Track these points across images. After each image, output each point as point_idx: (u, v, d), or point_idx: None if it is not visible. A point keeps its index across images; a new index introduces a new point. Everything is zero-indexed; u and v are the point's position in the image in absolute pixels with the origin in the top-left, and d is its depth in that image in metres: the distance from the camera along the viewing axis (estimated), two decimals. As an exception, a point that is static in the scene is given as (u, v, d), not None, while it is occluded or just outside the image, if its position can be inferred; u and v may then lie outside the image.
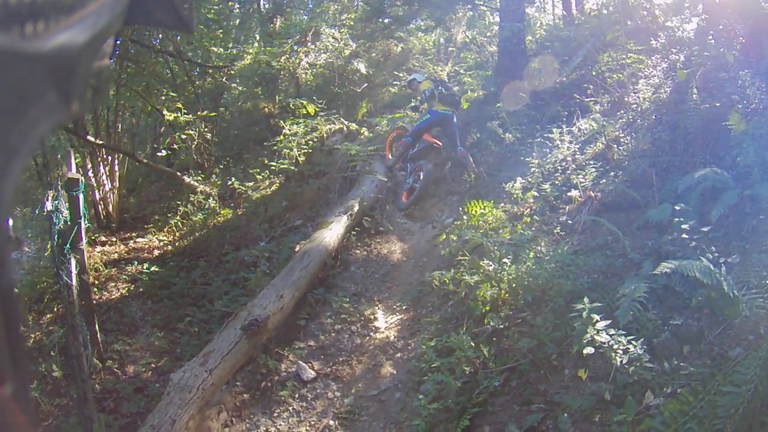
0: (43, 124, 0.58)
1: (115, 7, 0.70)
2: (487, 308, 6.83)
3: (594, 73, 11.35)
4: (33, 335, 9.01)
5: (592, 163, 9.04)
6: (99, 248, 12.26)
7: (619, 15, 12.65)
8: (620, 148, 9.03)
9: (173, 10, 0.91)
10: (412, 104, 14.03)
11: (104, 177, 13.86)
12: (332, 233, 9.55)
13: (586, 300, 5.42)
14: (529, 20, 16.61)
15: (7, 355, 0.55)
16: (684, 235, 6.40)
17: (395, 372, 7.27)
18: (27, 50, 0.54)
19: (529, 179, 9.51)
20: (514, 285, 6.81)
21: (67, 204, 7.49)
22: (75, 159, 10.29)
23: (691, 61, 9.96)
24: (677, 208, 6.77)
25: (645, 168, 8.10)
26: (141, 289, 10.52)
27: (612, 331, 5.18)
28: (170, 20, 0.93)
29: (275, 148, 13.08)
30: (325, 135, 13.58)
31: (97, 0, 0.66)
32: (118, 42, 13.38)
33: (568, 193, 8.55)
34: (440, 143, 12.57)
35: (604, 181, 8.51)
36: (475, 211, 8.54)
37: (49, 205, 7.32)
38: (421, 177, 11.68)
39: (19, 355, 0.57)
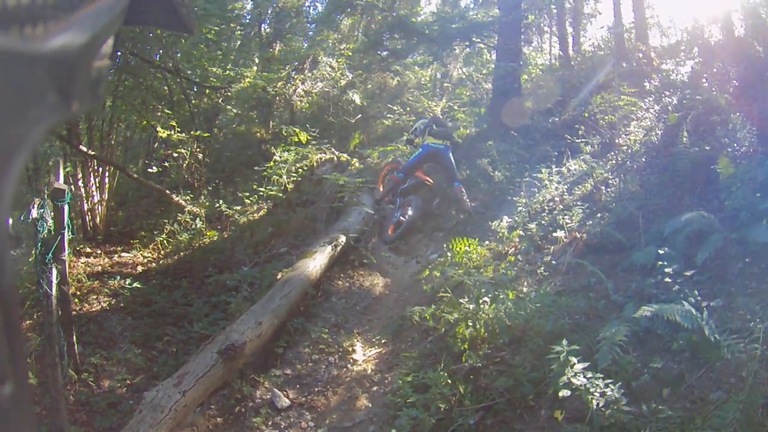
0: (43, 124, 0.58)
1: (115, 7, 0.71)
2: (466, 346, 6.75)
3: (586, 114, 11.39)
4: None
5: (579, 204, 9.02)
6: (83, 259, 12.15)
7: (614, 57, 12.67)
8: (608, 189, 9.02)
9: (173, 10, 0.92)
10: (405, 137, 13.94)
11: (94, 188, 13.81)
12: (315, 263, 9.47)
13: (564, 342, 5.34)
14: (525, 59, 16.69)
15: (7, 355, 0.54)
16: (667, 279, 6.34)
17: (370, 405, 7.15)
18: (27, 50, 0.54)
19: (516, 218, 9.49)
20: (492, 324, 6.73)
21: (52, 213, 7.48)
22: (66, 168, 10.28)
23: (683, 104, 10.03)
24: (662, 252, 6.71)
25: (632, 210, 8.07)
26: (122, 304, 10.39)
27: (589, 374, 5.10)
28: (170, 21, 0.95)
29: (265, 173, 13.09)
30: (315, 164, 13.60)
31: (97, 0, 0.66)
32: (118, 54, 13.47)
33: (554, 234, 8.50)
34: (431, 180, 12.46)
35: (590, 222, 8.49)
36: (460, 248, 8.50)
37: (34, 213, 7.32)
38: (409, 212, 11.62)
39: (19, 355, 0.57)
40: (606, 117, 10.85)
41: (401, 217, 11.72)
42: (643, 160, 9.49)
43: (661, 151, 9.31)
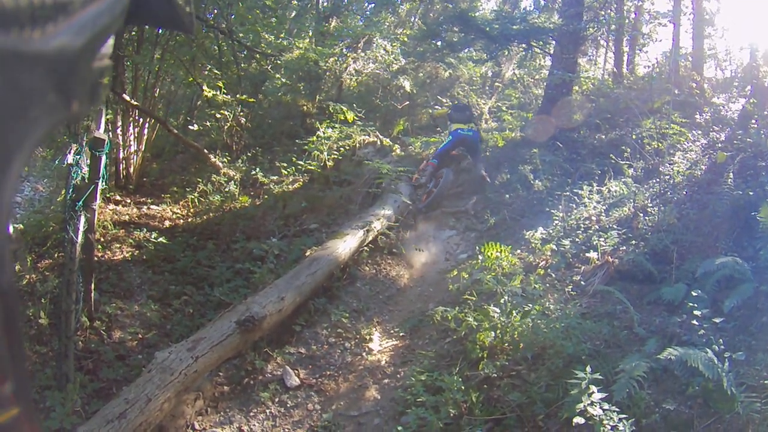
0: (43, 124, 0.59)
1: (115, 7, 0.71)
2: (485, 354, 6.79)
3: (634, 137, 11.34)
4: (28, 277, 8.95)
5: (615, 227, 8.99)
6: (112, 206, 12.26)
7: (670, 85, 12.59)
8: (646, 218, 8.98)
9: (173, 10, 0.93)
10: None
11: (132, 138, 13.89)
12: (345, 245, 9.46)
13: (588, 369, 5.37)
14: (578, 70, 16.57)
15: (7, 355, 0.55)
16: (694, 321, 6.32)
17: (379, 397, 7.18)
18: (27, 50, 0.55)
19: (551, 231, 9.47)
20: (516, 337, 6.76)
21: (88, 161, 7.50)
22: (107, 115, 10.29)
23: (733, 144, 9.90)
24: (694, 294, 6.67)
25: (667, 244, 8.05)
26: (144, 257, 10.49)
27: (606, 406, 5.13)
28: (170, 20, 0.95)
29: (306, 147, 13.15)
30: (357, 145, 13.59)
31: (97, 0, 0.66)
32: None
33: (587, 254, 8.49)
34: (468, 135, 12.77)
35: (624, 248, 8.46)
36: (491, 254, 8.48)
37: (70, 158, 7.36)
38: (441, 182, 11.92)
39: (19, 355, 0.57)
40: (653, 143, 10.79)
41: (433, 188, 12.08)
42: (685, 193, 9.43)
43: (703, 187, 9.24)
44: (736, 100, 12.77)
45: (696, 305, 6.44)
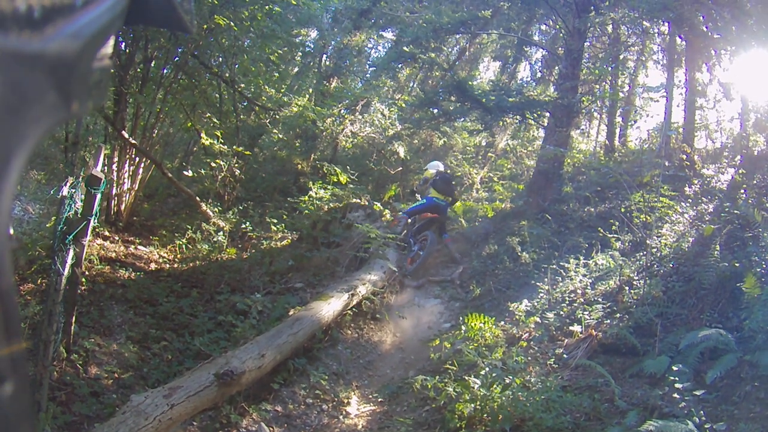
0: (43, 124, 0.59)
1: (115, 7, 0.72)
2: (463, 424, 6.70)
3: (623, 210, 11.37)
4: None
5: (600, 300, 9.00)
6: (99, 241, 12.08)
7: (660, 158, 12.68)
8: (631, 291, 8.99)
9: (173, 10, 0.94)
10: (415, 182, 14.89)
11: (126, 175, 13.77)
12: (330, 308, 9.37)
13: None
14: (570, 143, 16.71)
15: (7, 355, 0.55)
16: (675, 394, 6.27)
17: (354, 462, 7.07)
18: (27, 50, 0.55)
19: (535, 304, 9.48)
20: (495, 409, 6.67)
21: (83, 196, 7.45)
22: (105, 150, 10.30)
23: (720, 216, 9.96)
24: (675, 368, 6.63)
25: (652, 317, 8.07)
26: (127, 297, 10.28)
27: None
28: (170, 21, 0.97)
29: (297, 205, 13.21)
30: (348, 208, 13.60)
31: (97, 0, 0.67)
32: (179, 51, 13.67)
33: (570, 327, 8.49)
34: (435, 215, 13.16)
35: (608, 321, 8.45)
36: (474, 324, 8.45)
37: (65, 191, 7.33)
38: (427, 245, 12.26)
39: (19, 355, 0.57)
40: (642, 216, 10.81)
41: (419, 251, 12.40)
42: (671, 265, 9.45)
43: (690, 259, 9.28)
44: (726, 170, 12.94)
45: (677, 378, 6.39)
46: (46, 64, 0.58)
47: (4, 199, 0.55)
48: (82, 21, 0.63)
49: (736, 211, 9.76)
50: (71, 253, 7.19)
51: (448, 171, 15.27)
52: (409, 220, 13.37)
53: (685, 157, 13.50)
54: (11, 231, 0.60)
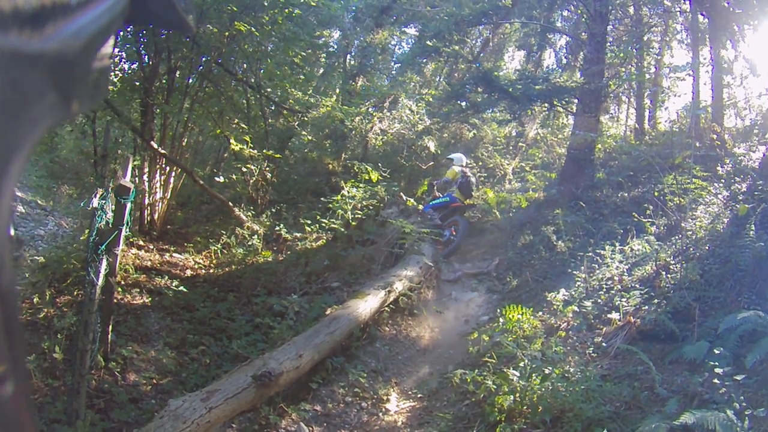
0: (43, 124, 0.59)
1: (115, 7, 0.72)
2: (503, 417, 6.69)
3: (656, 194, 11.30)
4: (46, 310, 8.90)
5: (638, 287, 8.93)
6: (134, 251, 12.20)
7: (690, 139, 12.55)
8: (668, 276, 8.89)
9: (173, 10, 0.94)
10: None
11: (158, 185, 13.87)
12: (366, 305, 9.36)
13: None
14: (600, 128, 16.59)
15: (7, 355, 0.56)
16: (715, 380, 6.21)
17: (395, 458, 7.09)
18: (27, 50, 0.55)
19: (573, 293, 9.42)
20: (535, 400, 6.67)
21: (113, 207, 7.58)
22: (134, 161, 10.39)
23: (754, 195, 9.83)
24: (716, 351, 6.58)
25: (689, 301, 7.96)
26: (164, 304, 10.41)
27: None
28: (170, 20, 0.97)
29: (330, 205, 13.25)
30: (381, 205, 13.63)
31: (97, 0, 0.68)
32: (202, 59, 13.80)
33: (608, 315, 8.44)
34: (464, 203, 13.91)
35: (646, 307, 8.37)
36: (512, 316, 8.42)
37: (95, 202, 7.44)
38: (459, 230, 12.99)
39: (19, 355, 0.58)
40: (675, 198, 10.72)
41: (451, 237, 13.03)
42: (707, 248, 9.35)
43: (725, 241, 9.15)
44: (757, 148, 12.78)
45: (717, 363, 6.34)
46: (46, 64, 0.58)
47: (5, 199, 0.56)
48: (82, 21, 0.64)
49: (768, 189, 9.66)
50: (104, 262, 7.30)
51: (470, 168, 15.32)
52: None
53: (715, 136, 13.37)
54: (12, 231, 0.61)
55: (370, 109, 18.30)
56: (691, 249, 9.50)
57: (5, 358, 0.55)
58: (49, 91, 0.59)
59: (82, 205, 10.10)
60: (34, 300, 8.99)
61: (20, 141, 0.57)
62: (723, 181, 11.55)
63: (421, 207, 14.24)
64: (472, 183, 14.54)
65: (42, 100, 0.58)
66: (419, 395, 8.34)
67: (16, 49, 0.54)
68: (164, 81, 13.53)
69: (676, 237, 10.09)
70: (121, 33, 11.19)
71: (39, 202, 15.92)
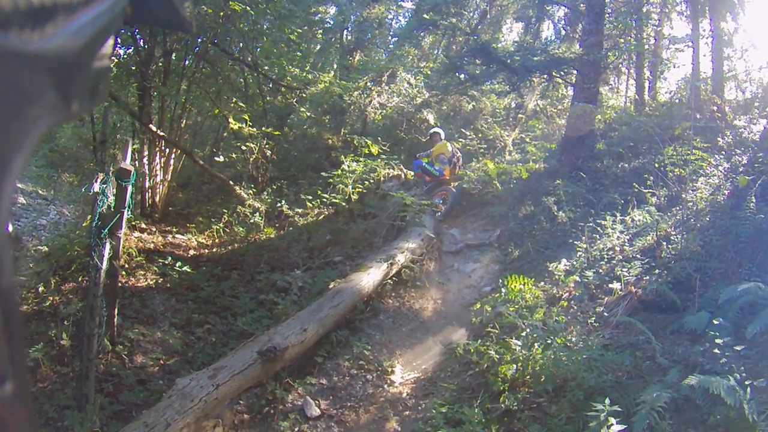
0: (43, 124, 0.59)
1: (115, 7, 0.72)
2: (506, 387, 6.79)
3: (657, 165, 11.31)
4: (51, 299, 8.93)
5: (639, 257, 8.99)
6: (137, 234, 12.19)
7: (690, 110, 12.55)
8: (669, 246, 8.95)
9: (173, 10, 0.94)
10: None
11: (158, 167, 13.85)
12: (369, 278, 9.43)
13: (607, 401, 5.36)
14: (600, 99, 16.57)
15: (7, 355, 0.56)
16: (716, 350, 6.28)
17: (400, 429, 7.13)
18: (27, 50, 0.55)
19: (574, 263, 9.47)
20: (537, 370, 6.74)
21: (114, 190, 7.56)
22: (134, 144, 10.36)
23: (754, 166, 9.85)
24: (716, 322, 6.64)
25: (690, 272, 8.03)
26: (168, 285, 10.43)
27: (625, 437, 5.11)
28: (170, 20, 0.97)
29: (331, 180, 13.27)
30: (381, 178, 13.66)
31: (97, 0, 0.67)
32: (198, 40, 13.72)
33: (610, 285, 8.49)
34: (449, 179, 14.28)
35: (647, 278, 8.43)
36: (514, 286, 8.48)
37: (96, 187, 7.42)
38: (450, 196, 13.69)
39: (19, 355, 0.58)
40: (676, 169, 10.74)
41: (441, 204, 13.69)
42: (707, 219, 9.40)
43: (726, 212, 9.20)
44: (757, 121, 12.79)
45: (717, 333, 6.41)
46: (46, 64, 0.58)
47: (5, 199, 0.56)
48: (82, 20, 0.64)
49: (769, 160, 9.68)
50: (108, 246, 7.30)
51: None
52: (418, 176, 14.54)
53: (715, 108, 13.37)
54: (10, 228, 0.61)
55: (368, 84, 18.25)
56: (692, 220, 9.55)
57: (5, 357, 0.56)
58: (49, 91, 0.59)
59: (83, 191, 10.09)
60: (40, 289, 8.98)
61: (20, 141, 0.57)
62: (723, 153, 11.56)
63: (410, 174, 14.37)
64: (461, 161, 14.90)
65: (42, 100, 0.59)
66: (423, 366, 8.40)
67: (16, 48, 0.54)
68: (161, 64, 13.48)
69: (677, 208, 10.14)
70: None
71: (40, 192, 15.85)
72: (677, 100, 15.91)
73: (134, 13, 0.82)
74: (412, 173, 14.29)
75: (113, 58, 13.09)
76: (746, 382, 5.53)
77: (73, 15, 0.62)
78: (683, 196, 10.17)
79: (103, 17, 0.68)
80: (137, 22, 0.91)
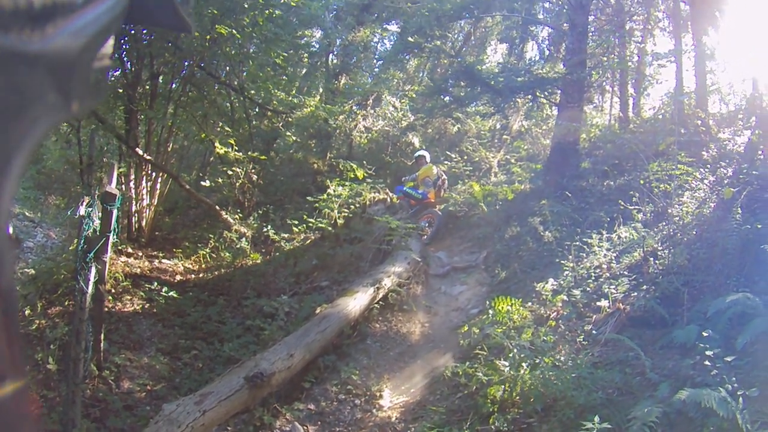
0: (43, 124, 0.59)
1: (115, 7, 0.72)
2: (495, 408, 6.73)
3: (642, 181, 11.29)
4: (37, 322, 8.91)
5: (626, 273, 8.94)
6: (123, 258, 12.24)
7: (675, 125, 12.57)
8: (656, 261, 8.90)
9: (173, 10, 0.93)
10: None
11: (144, 191, 13.94)
12: (356, 303, 9.39)
13: (597, 419, 5.29)
14: (584, 118, 16.63)
15: (7, 355, 0.56)
16: (706, 362, 6.21)
17: (389, 453, 7.08)
18: (27, 50, 0.55)
19: (561, 282, 9.40)
20: (526, 390, 6.67)
21: (100, 214, 7.58)
22: (120, 168, 10.36)
23: (739, 178, 9.84)
24: (705, 334, 6.58)
25: (678, 286, 7.99)
26: (155, 310, 10.48)
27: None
28: (170, 21, 0.96)
29: (317, 205, 13.29)
30: (367, 202, 13.64)
31: (97, 0, 0.67)
32: (185, 64, 13.83)
33: (598, 302, 8.42)
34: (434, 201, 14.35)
35: (635, 294, 8.38)
36: (502, 308, 8.42)
37: (82, 210, 7.42)
38: (436, 219, 13.61)
39: (18, 355, 0.58)
40: (661, 185, 10.74)
41: (427, 228, 13.54)
42: (694, 233, 9.36)
43: (712, 225, 9.17)
44: (742, 132, 12.79)
45: (707, 346, 6.34)
46: (46, 64, 0.58)
47: (4, 199, 0.56)
48: (82, 20, 0.64)
49: (754, 172, 9.63)
50: (93, 270, 7.29)
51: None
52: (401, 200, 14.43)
53: (699, 122, 13.38)
54: (11, 229, 0.61)
55: (353, 108, 18.32)
56: (679, 234, 9.52)
57: (5, 357, 0.56)
58: (49, 91, 0.59)
59: (69, 214, 10.09)
60: (26, 312, 8.96)
61: (20, 141, 0.56)
62: (708, 166, 11.55)
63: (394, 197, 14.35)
64: (446, 184, 14.98)
65: (42, 100, 0.58)
66: (412, 390, 8.34)
67: (16, 49, 0.54)
68: (147, 87, 13.56)
69: (663, 223, 10.11)
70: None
71: (27, 213, 15.85)
72: (661, 116, 15.93)
73: (134, 13, 0.81)
74: (397, 197, 14.25)
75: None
76: (738, 393, 5.47)
77: (73, 15, 0.62)
78: (669, 211, 10.16)
79: (103, 17, 0.68)
80: (137, 23, 0.88)
